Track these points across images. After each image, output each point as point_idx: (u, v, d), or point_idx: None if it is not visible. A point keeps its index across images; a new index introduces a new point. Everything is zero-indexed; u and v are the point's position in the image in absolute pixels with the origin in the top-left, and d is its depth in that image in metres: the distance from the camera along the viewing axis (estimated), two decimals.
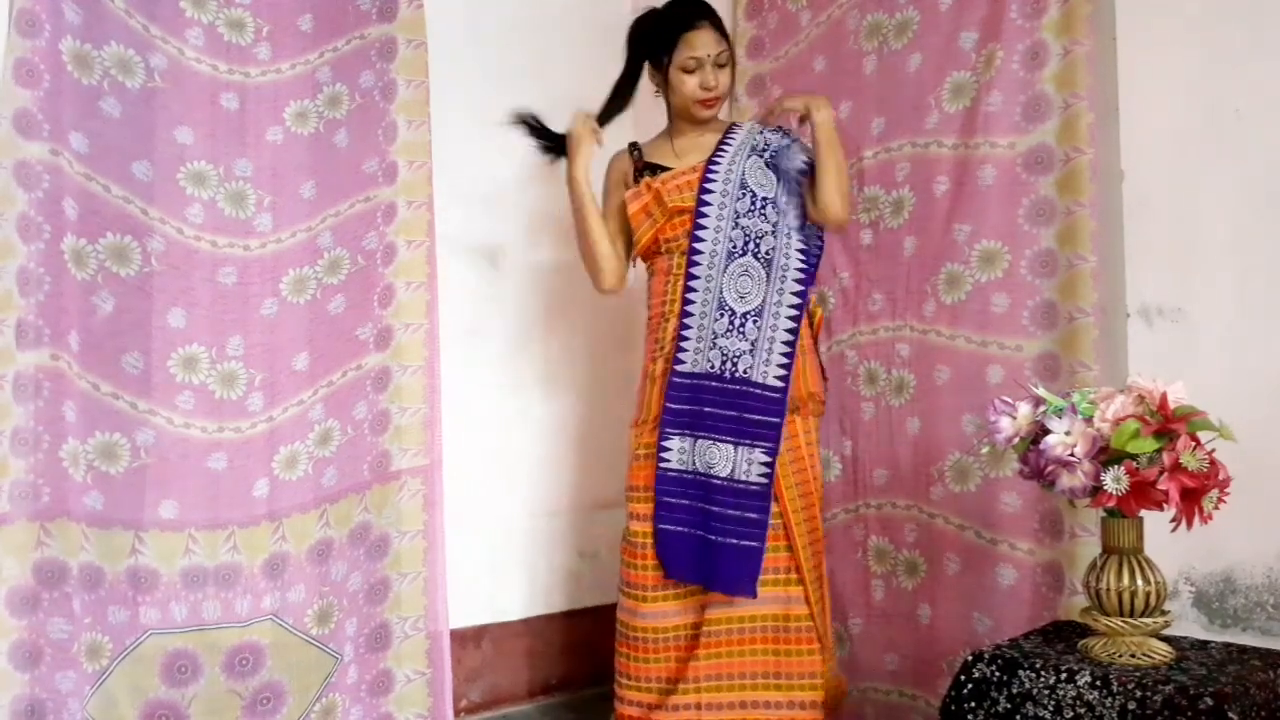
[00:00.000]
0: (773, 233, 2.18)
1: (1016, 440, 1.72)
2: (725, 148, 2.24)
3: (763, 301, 2.14)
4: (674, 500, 2.14)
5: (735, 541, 2.07)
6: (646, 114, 2.44)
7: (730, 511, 2.09)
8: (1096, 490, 1.59)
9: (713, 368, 2.13)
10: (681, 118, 2.31)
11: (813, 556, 2.16)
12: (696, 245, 2.18)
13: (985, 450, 2.16)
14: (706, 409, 2.13)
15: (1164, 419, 1.58)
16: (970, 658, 1.71)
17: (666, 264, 2.25)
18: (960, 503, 2.28)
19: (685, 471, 2.14)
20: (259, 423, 2.27)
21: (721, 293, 2.16)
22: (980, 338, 2.27)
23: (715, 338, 2.14)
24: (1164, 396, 1.59)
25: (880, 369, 2.46)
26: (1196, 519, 1.56)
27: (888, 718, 2.41)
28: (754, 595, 2.06)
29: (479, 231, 2.85)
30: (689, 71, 2.22)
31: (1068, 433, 1.62)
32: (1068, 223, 2.13)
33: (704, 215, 2.19)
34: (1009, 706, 1.63)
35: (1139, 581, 1.62)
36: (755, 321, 2.14)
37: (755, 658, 2.12)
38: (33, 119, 2.00)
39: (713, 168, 2.21)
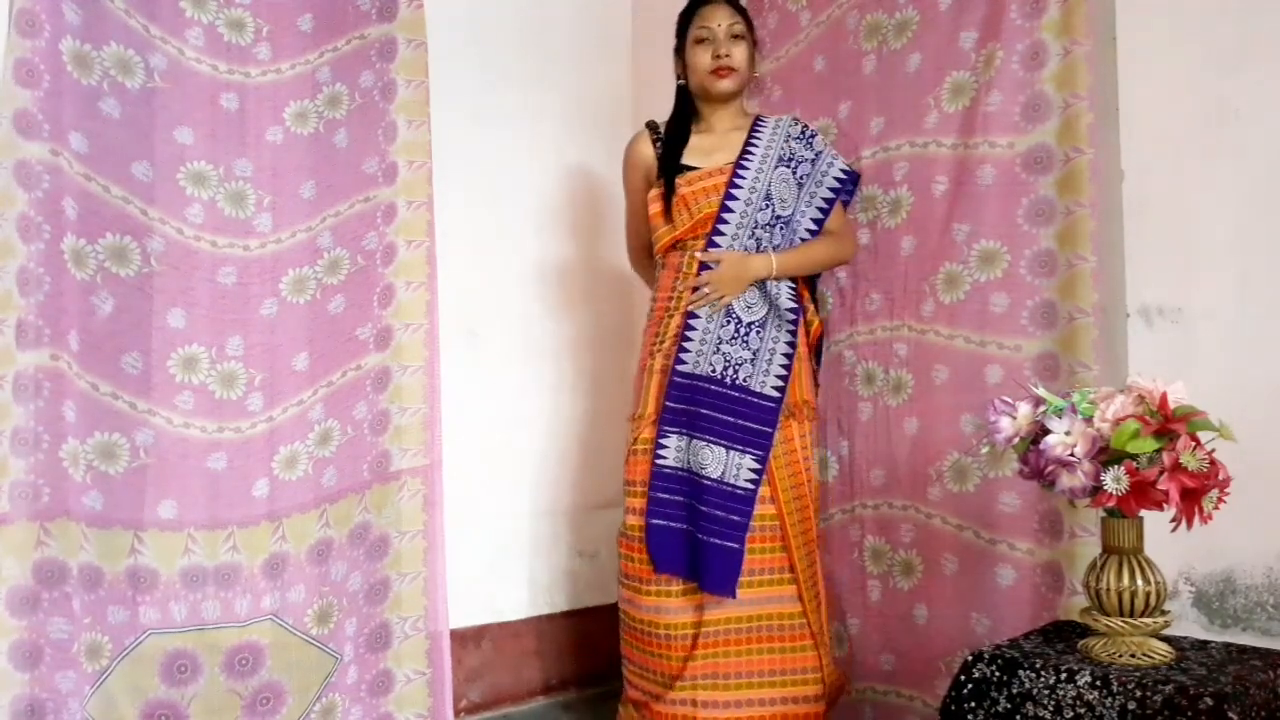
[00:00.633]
0: (779, 249, 2.24)
1: (1016, 440, 1.72)
2: (753, 148, 2.26)
3: (767, 313, 2.21)
4: (667, 496, 2.18)
5: (719, 541, 2.12)
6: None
7: (717, 512, 2.14)
8: (1096, 490, 1.59)
9: (714, 371, 2.17)
10: (701, 99, 2.31)
11: (807, 556, 2.22)
12: (713, 250, 2.22)
13: (985, 450, 2.16)
14: (703, 410, 2.17)
15: (1164, 419, 1.58)
16: (970, 657, 1.71)
17: (678, 260, 2.27)
18: (959, 503, 2.28)
19: (680, 469, 2.18)
20: (259, 423, 2.27)
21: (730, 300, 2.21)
22: (979, 338, 2.27)
23: (720, 343, 2.18)
24: (1164, 396, 1.59)
25: (878, 369, 2.46)
26: (1196, 519, 1.56)
27: (885, 718, 2.41)
28: (734, 596, 2.12)
29: (480, 232, 2.85)
30: (701, 43, 2.26)
31: (1068, 433, 1.62)
32: (1067, 223, 2.13)
33: (724, 223, 2.22)
34: (1009, 706, 1.63)
35: (1139, 581, 1.62)
36: (759, 332, 2.20)
37: (753, 657, 2.16)
38: (33, 119, 2.00)
39: (740, 174, 2.23)
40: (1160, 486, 1.54)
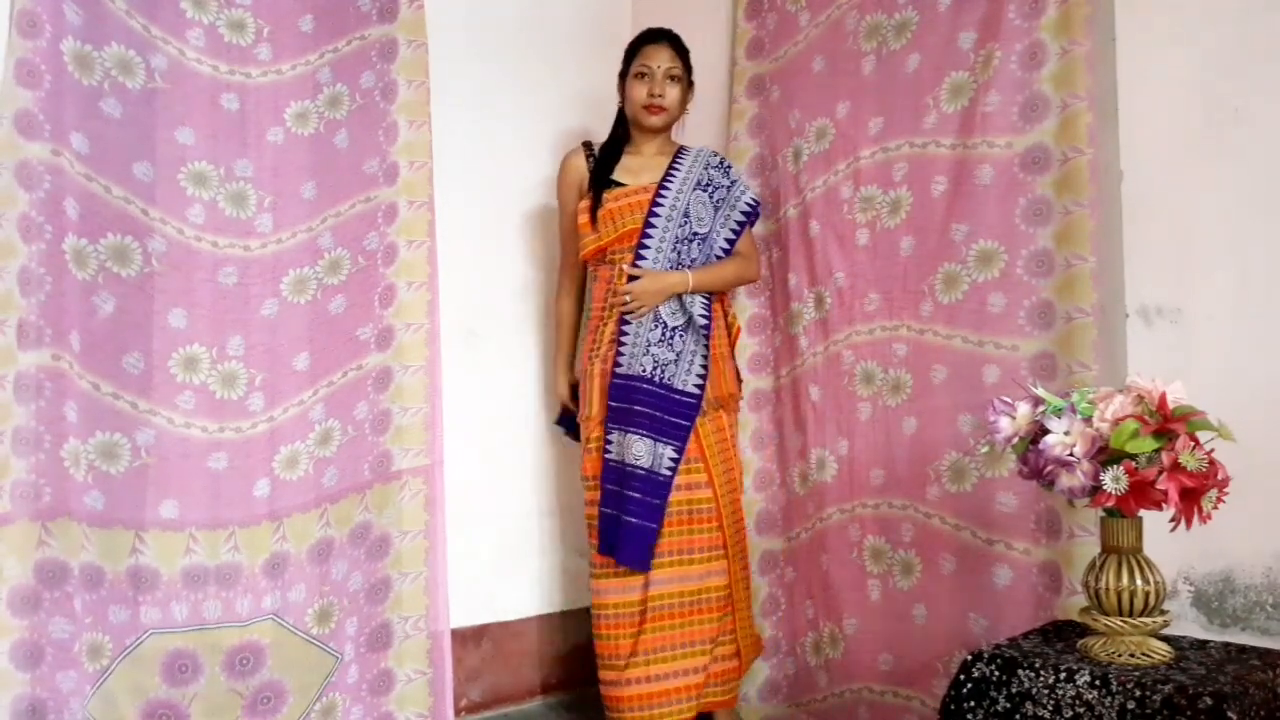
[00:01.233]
0: (696, 261, 2.46)
1: (1016, 440, 1.72)
2: (675, 172, 2.51)
3: (688, 319, 2.43)
4: (611, 488, 2.41)
5: (638, 522, 2.35)
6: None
7: (644, 498, 2.36)
8: (1096, 490, 1.59)
9: (644, 371, 2.40)
10: (634, 126, 2.57)
11: (736, 534, 2.50)
12: (639, 264, 2.43)
13: (984, 450, 2.16)
14: (636, 407, 2.39)
15: (1163, 419, 1.58)
16: (970, 657, 1.71)
17: (609, 273, 2.49)
18: (957, 503, 2.29)
19: (618, 462, 2.41)
20: (259, 423, 2.27)
21: (657, 307, 2.42)
22: (977, 337, 2.27)
23: (649, 345, 2.41)
24: (1163, 396, 1.60)
25: (877, 369, 2.46)
26: (1195, 519, 1.56)
27: (882, 718, 2.41)
28: (648, 570, 2.37)
29: (481, 232, 2.85)
30: (640, 77, 2.52)
31: (1067, 433, 1.62)
32: (1066, 222, 2.14)
33: (649, 236, 2.45)
34: (1008, 706, 1.63)
35: (1138, 581, 1.63)
36: (681, 336, 2.42)
37: (690, 628, 2.41)
38: (34, 119, 2.00)
39: (663, 193, 2.48)
40: (1159, 486, 1.54)
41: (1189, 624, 1.95)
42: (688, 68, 2.57)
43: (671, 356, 2.40)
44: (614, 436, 2.40)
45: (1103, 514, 1.68)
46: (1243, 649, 1.71)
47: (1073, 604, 2.03)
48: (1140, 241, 2.06)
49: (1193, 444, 1.55)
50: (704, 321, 2.42)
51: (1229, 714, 1.41)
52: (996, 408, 1.75)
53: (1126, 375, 1.93)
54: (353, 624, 2.38)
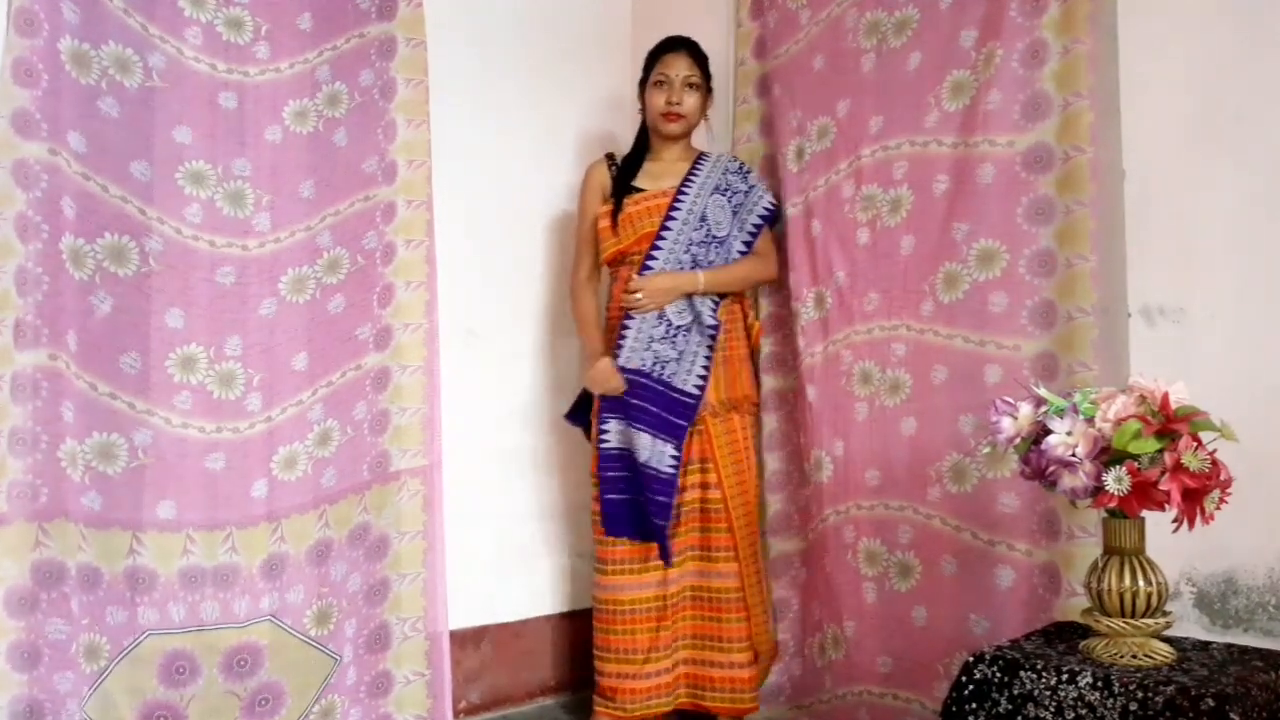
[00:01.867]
0: (713, 264, 2.51)
1: (1018, 441, 1.71)
2: (693, 177, 2.57)
3: (694, 319, 2.48)
4: (614, 475, 2.47)
5: (653, 518, 2.42)
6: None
7: (648, 491, 2.42)
8: (1098, 490, 1.58)
9: (644, 366, 2.45)
10: (654, 133, 2.62)
11: (748, 537, 2.52)
12: (650, 263, 2.49)
13: (985, 450, 2.15)
14: (634, 400, 2.44)
15: (1165, 419, 1.57)
16: (971, 659, 1.70)
17: (627, 274, 2.53)
18: (957, 503, 2.28)
19: (623, 448, 2.46)
20: (257, 423, 2.26)
21: (663, 305, 2.47)
22: (978, 337, 2.26)
23: (651, 341, 2.46)
24: (1165, 397, 1.59)
25: (875, 368, 2.45)
26: (1198, 519, 1.55)
27: None
28: (670, 565, 2.44)
29: (479, 231, 2.85)
30: (659, 85, 2.57)
31: (1069, 433, 1.62)
32: (1067, 222, 2.13)
33: (663, 238, 2.50)
34: (1010, 707, 1.62)
35: (1140, 582, 1.62)
36: (685, 335, 2.47)
37: (702, 622, 2.50)
38: (31, 118, 2.00)
39: (680, 197, 2.54)
40: (1162, 487, 1.53)
41: (1191, 625, 1.94)
42: (706, 75, 2.62)
43: (674, 354, 2.45)
44: (609, 425, 2.47)
45: (1105, 515, 1.67)
46: (1245, 650, 1.71)
47: (1074, 605, 2.02)
48: (1142, 241, 2.06)
49: (1195, 444, 1.54)
50: (712, 323, 2.47)
51: (1231, 715, 1.41)
52: (998, 408, 1.74)
53: (1129, 375, 1.92)
54: (351, 625, 2.37)
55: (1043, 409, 1.68)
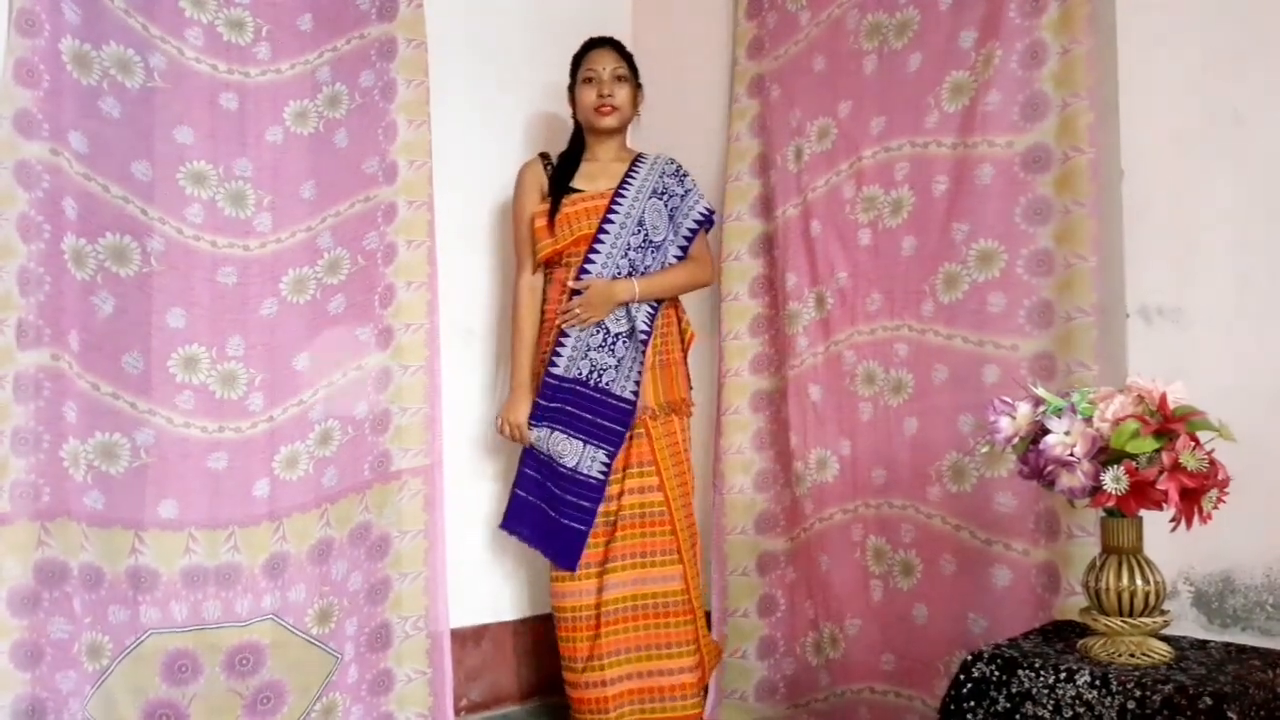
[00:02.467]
0: (650, 268, 2.50)
1: (1016, 440, 1.72)
2: (631, 180, 2.54)
3: (631, 326, 2.46)
4: (531, 473, 2.48)
5: (568, 524, 2.41)
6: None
7: (569, 497, 2.41)
8: (1096, 490, 1.59)
9: (581, 374, 2.44)
10: (589, 132, 2.59)
11: (690, 539, 2.50)
12: (587, 267, 2.47)
13: (984, 450, 2.16)
14: (569, 408, 2.44)
15: (1163, 419, 1.58)
16: (970, 657, 1.71)
17: (564, 275, 2.51)
18: (957, 503, 2.28)
19: (542, 454, 2.47)
20: (259, 422, 2.27)
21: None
22: (977, 337, 2.27)
23: (589, 350, 2.45)
24: (1163, 396, 1.59)
25: (878, 369, 2.46)
26: (1196, 519, 1.56)
27: (883, 718, 2.41)
28: (574, 570, 2.41)
29: (480, 231, 2.85)
30: (588, 82, 2.55)
31: (1067, 433, 1.62)
32: (1066, 222, 2.13)
33: (600, 242, 2.48)
34: (1008, 706, 1.63)
35: (1138, 581, 1.62)
36: (625, 343, 2.46)
37: (647, 631, 2.44)
38: (33, 119, 2.00)
39: (618, 200, 2.51)
40: (1160, 486, 1.54)
41: (1189, 624, 1.95)
42: (634, 70, 2.61)
43: (612, 362, 2.44)
44: (539, 432, 2.45)
45: (1103, 514, 1.68)
46: (1243, 649, 1.71)
47: (1072, 604, 2.03)
48: (1141, 241, 2.06)
49: (1193, 444, 1.55)
50: (645, 330, 2.45)
51: (1229, 714, 1.41)
52: (996, 408, 1.74)
53: (1127, 375, 1.92)
54: (352, 624, 2.38)
55: (1041, 409, 1.69)
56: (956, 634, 2.25)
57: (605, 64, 2.55)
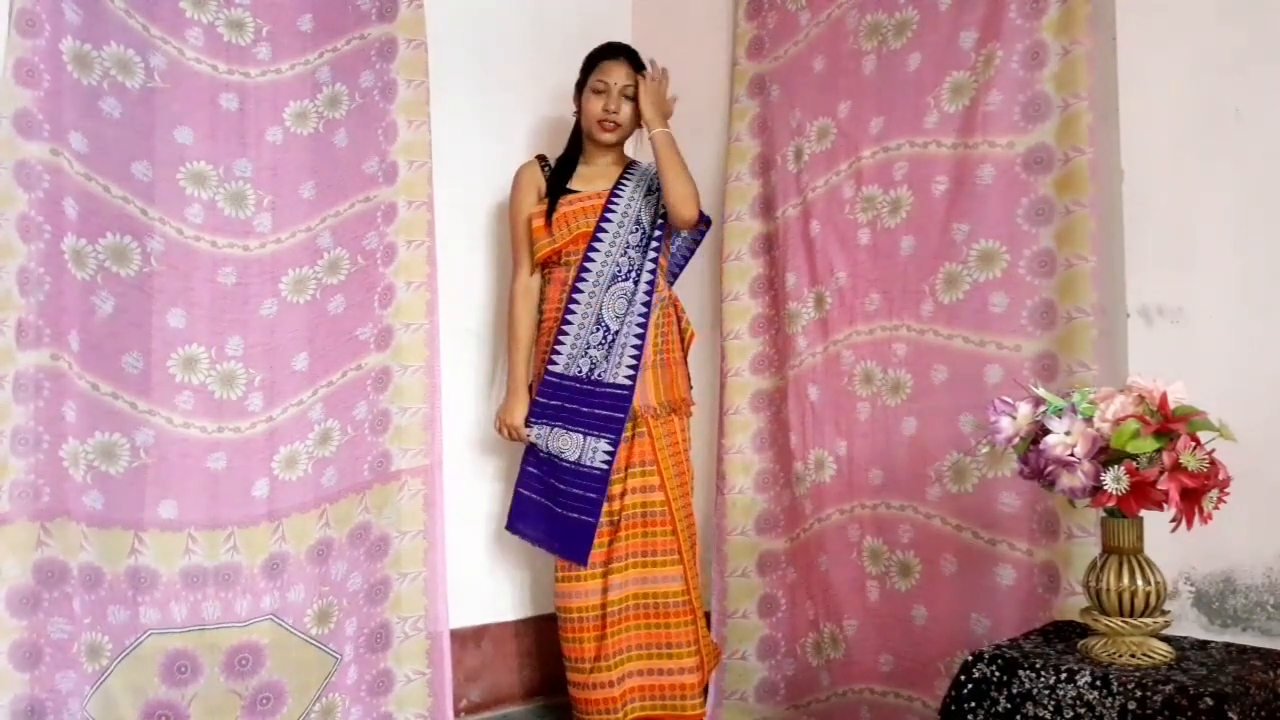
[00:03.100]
0: (654, 266, 2.50)
1: (1016, 440, 1.72)
2: (626, 181, 2.57)
3: (626, 311, 2.47)
4: (533, 470, 2.50)
5: (576, 516, 2.41)
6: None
7: (574, 490, 2.42)
8: (1096, 490, 1.59)
9: (580, 372, 2.46)
10: (589, 138, 2.60)
11: (689, 539, 2.51)
12: (587, 265, 2.49)
13: (984, 450, 2.16)
14: (567, 405, 2.45)
15: (1164, 419, 1.58)
16: (970, 657, 1.71)
17: (563, 275, 2.53)
18: (957, 503, 2.28)
19: (543, 452, 2.48)
20: (259, 423, 2.27)
21: (600, 310, 2.47)
22: (978, 337, 2.27)
23: (588, 348, 2.46)
24: (1164, 396, 1.59)
25: (876, 369, 2.46)
26: (1196, 519, 1.56)
27: (883, 719, 2.40)
28: (585, 564, 2.40)
29: (480, 231, 2.85)
30: (597, 93, 2.55)
31: (1068, 433, 1.62)
32: (1067, 222, 2.13)
33: (599, 240, 2.50)
34: (1009, 706, 1.63)
35: (1139, 581, 1.62)
36: (619, 338, 2.46)
37: (650, 631, 2.45)
38: (33, 119, 2.00)
39: (615, 199, 2.53)
40: (1160, 486, 1.54)
41: (1190, 624, 1.95)
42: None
43: (605, 354, 2.45)
44: (538, 430, 2.47)
45: (1103, 514, 1.67)
46: (1244, 649, 1.71)
47: (1073, 604, 2.03)
48: (1141, 241, 2.06)
49: (1194, 444, 1.55)
50: (644, 306, 2.44)
51: (1230, 714, 1.41)
52: (997, 408, 1.74)
53: (1127, 375, 1.92)
54: (352, 624, 2.38)
55: (1041, 409, 1.69)
56: (957, 634, 2.25)
57: (617, 78, 2.54)
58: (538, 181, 2.60)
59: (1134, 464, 1.56)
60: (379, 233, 2.45)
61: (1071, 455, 1.60)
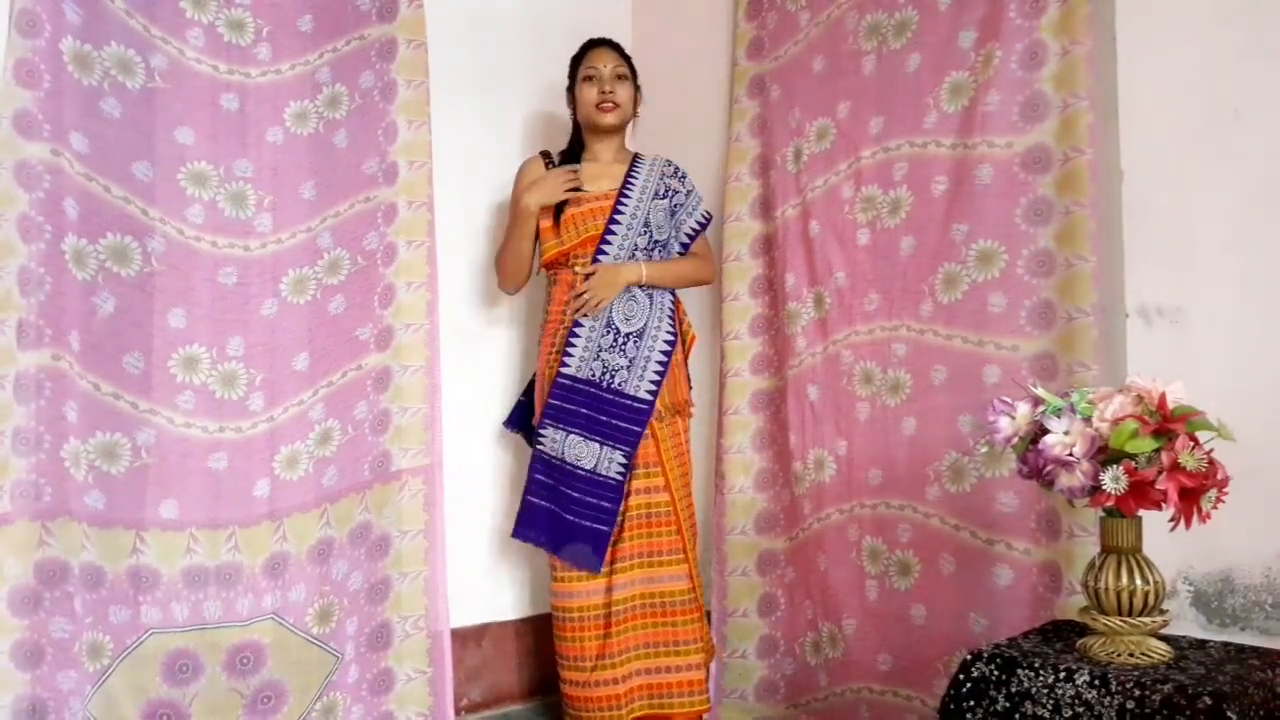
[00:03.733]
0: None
1: (1015, 440, 1.72)
2: (633, 180, 2.55)
3: (644, 325, 2.46)
4: (541, 479, 2.46)
5: (591, 525, 2.40)
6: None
7: (589, 499, 2.41)
8: (1095, 490, 1.59)
9: (594, 376, 2.43)
10: (589, 131, 2.60)
11: (693, 538, 2.53)
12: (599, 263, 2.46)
13: (983, 450, 2.16)
14: (583, 410, 2.42)
15: (1163, 419, 1.58)
16: (969, 656, 1.71)
17: (570, 277, 2.50)
18: (956, 503, 2.28)
19: (553, 457, 2.44)
20: (259, 423, 2.27)
21: (611, 312, 2.45)
22: (977, 337, 2.27)
23: (600, 351, 2.44)
24: (1163, 396, 1.59)
25: (876, 369, 2.46)
26: (1195, 518, 1.56)
27: (882, 718, 2.41)
28: (599, 571, 2.41)
29: (480, 231, 2.86)
30: (589, 80, 2.56)
31: (1066, 432, 1.62)
32: (1066, 222, 2.14)
33: (608, 242, 2.49)
34: (1008, 705, 1.63)
35: (1138, 581, 1.63)
36: (636, 342, 2.45)
37: (656, 629, 2.46)
38: (33, 119, 2.00)
39: (623, 201, 2.52)
40: (1159, 486, 1.54)
41: (1188, 624, 1.95)
42: (633, 70, 2.62)
43: (624, 362, 2.43)
44: (548, 433, 2.44)
45: (1102, 514, 1.68)
46: (1242, 649, 1.71)
47: (1072, 604, 2.03)
48: (1140, 241, 2.06)
49: (1192, 444, 1.55)
50: (669, 336, 2.46)
51: (1228, 713, 1.41)
52: (996, 408, 1.75)
53: (1126, 375, 1.92)
54: (353, 624, 2.38)
55: (1040, 409, 1.69)
56: (956, 634, 2.26)
57: (606, 62, 2.56)
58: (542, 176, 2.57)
59: (1133, 464, 1.56)
60: (379, 233, 2.45)
61: (1070, 455, 1.60)
